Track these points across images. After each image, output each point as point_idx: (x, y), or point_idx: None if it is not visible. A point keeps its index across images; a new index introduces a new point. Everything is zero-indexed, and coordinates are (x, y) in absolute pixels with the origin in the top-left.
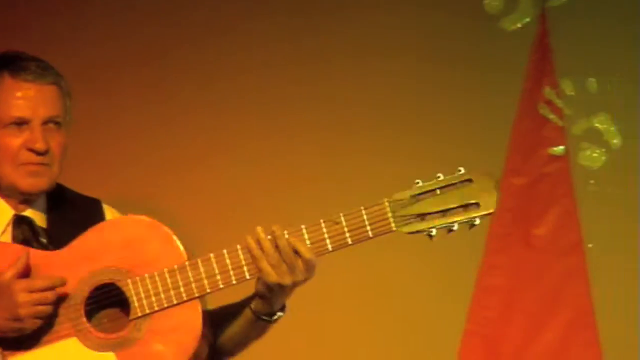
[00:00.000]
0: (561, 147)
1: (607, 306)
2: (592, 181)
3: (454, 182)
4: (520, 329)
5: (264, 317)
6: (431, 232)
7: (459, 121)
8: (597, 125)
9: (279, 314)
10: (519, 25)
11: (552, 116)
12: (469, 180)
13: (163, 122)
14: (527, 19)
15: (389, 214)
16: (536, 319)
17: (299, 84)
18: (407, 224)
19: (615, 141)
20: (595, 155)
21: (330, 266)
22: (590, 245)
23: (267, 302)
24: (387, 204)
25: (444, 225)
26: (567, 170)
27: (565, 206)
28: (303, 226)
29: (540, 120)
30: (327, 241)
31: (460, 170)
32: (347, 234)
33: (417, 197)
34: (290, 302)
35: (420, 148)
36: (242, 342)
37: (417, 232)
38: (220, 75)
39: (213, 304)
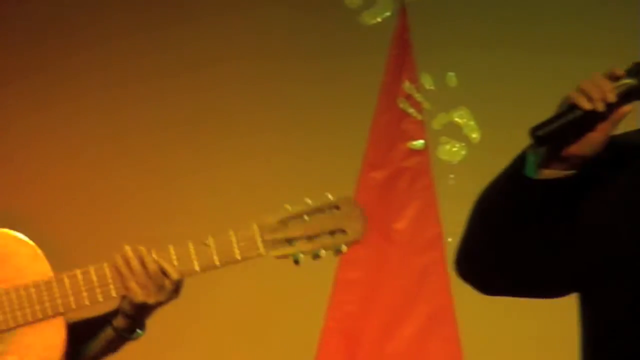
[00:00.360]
0: (421, 141)
1: (467, 302)
2: (451, 175)
3: (321, 207)
4: (379, 324)
5: (125, 335)
6: (298, 257)
7: (319, 116)
8: (456, 119)
9: (139, 331)
10: (378, 19)
11: (411, 110)
12: (336, 207)
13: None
14: (387, 13)
15: (258, 238)
16: (396, 314)
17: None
18: (275, 248)
19: (475, 135)
20: (454, 149)
21: None
22: (450, 240)
23: (130, 319)
24: (256, 227)
25: (311, 251)
26: (426, 164)
27: (425, 200)
28: (171, 246)
29: (400, 115)
30: (195, 262)
31: (327, 196)
32: (215, 256)
33: (285, 222)
34: None
35: (282, 142)
36: (98, 358)
37: (285, 256)
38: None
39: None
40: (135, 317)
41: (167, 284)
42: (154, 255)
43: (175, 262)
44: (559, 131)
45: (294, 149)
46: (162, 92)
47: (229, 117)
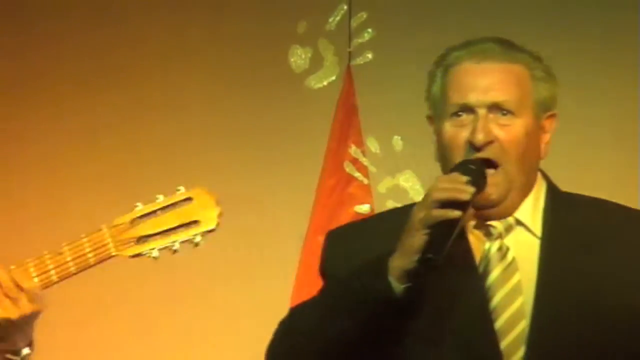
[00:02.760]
0: (367, 206)
1: None
2: None
3: (174, 202)
4: None
5: (10, 357)
6: (152, 253)
7: (266, 180)
8: (402, 183)
9: (26, 351)
10: (324, 83)
11: (357, 174)
12: (189, 199)
13: None
14: (333, 77)
15: (109, 240)
16: None
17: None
18: (128, 247)
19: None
20: None
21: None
22: None
23: (5, 339)
24: (105, 230)
25: (165, 245)
26: None
27: None
28: (28, 260)
29: (346, 179)
30: (52, 272)
31: (179, 190)
32: (71, 263)
33: (137, 221)
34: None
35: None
36: None
37: (139, 254)
38: None
39: None
40: (9, 336)
41: (23, 297)
42: (11, 269)
43: (34, 275)
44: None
45: (239, 215)
46: None
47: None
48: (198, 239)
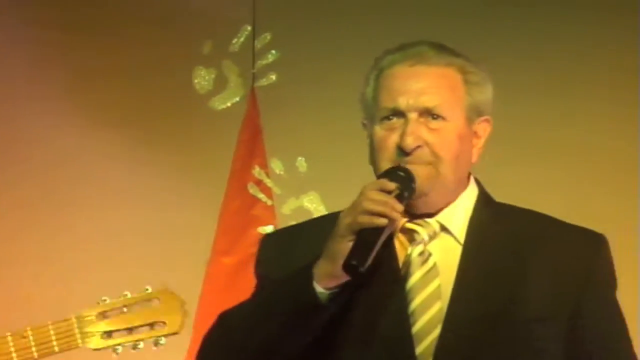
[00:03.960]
0: (271, 227)
1: None
2: None
3: (140, 300)
4: None
5: None
6: (117, 349)
7: (169, 201)
8: (306, 204)
9: None
10: (228, 104)
11: (261, 196)
12: (157, 299)
13: None
14: (237, 99)
15: (76, 330)
16: None
17: None
18: (93, 340)
19: None
20: None
21: None
22: None
23: None
24: (74, 320)
25: (129, 342)
26: None
27: None
28: None
29: (250, 200)
30: (14, 355)
31: (147, 289)
32: (34, 348)
33: (104, 314)
34: None
35: (131, 227)
36: None
37: (103, 348)
38: None
39: None
40: None
41: None
42: None
43: None
44: (373, 254)
45: (143, 234)
46: None
47: (72, 200)
48: (162, 340)
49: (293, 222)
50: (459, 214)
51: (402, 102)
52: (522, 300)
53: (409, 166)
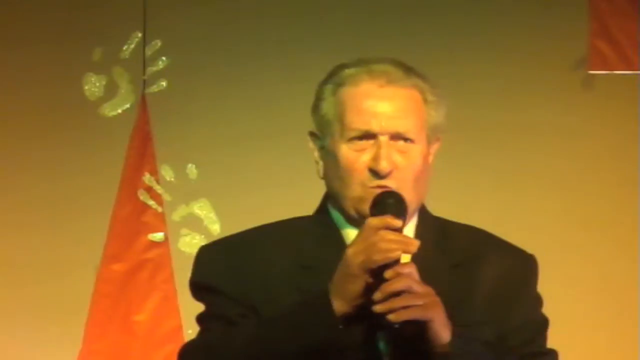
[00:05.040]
0: (161, 234)
1: None
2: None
3: None
4: None
5: None
6: None
7: (59, 208)
8: (197, 211)
9: None
10: (119, 111)
11: (151, 202)
12: None
13: None
14: (127, 105)
15: None
16: None
17: None
18: None
19: (215, 227)
20: (195, 241)
21: None
22: (190, 332)
23: None
24: None
25: None
26: (167, 256)
27: (165, 292)
28: None
29: (141, 207)
30: None
31: None
32: None
33: None
34: None
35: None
36: None
37: None
38: None
39: None
40: None
41: None
42: None
43: None
44: None
45: (32, 242)
46: None
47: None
48: None
49: (184, 229)
50: (407, 231)
51: (376, 126)
52: (464, 307)
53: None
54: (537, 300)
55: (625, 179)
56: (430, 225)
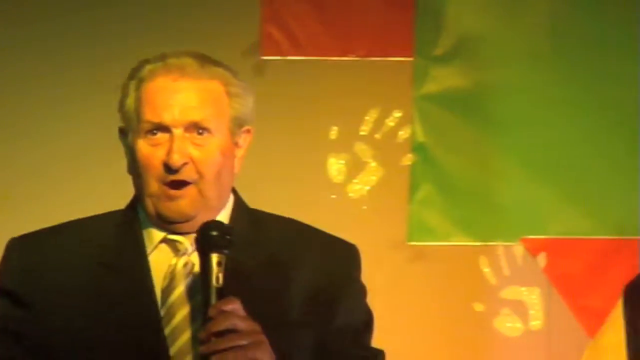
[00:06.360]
0: None
1: None
2: None
3: None
4: None
5: None
6: None
7: None
8: None
9: None
10: None
11: None
12: None
13: None
14: None
15: None
16: None
17: None
18: None
19: None
20: None
21: None
22: None
23: None
24: None
25: None
26: None
27: None
28: None
29: None
30: None
31: None
32: None
33: None
34: None
35: None
36: None
37: None
38: None
39: None
40: None
41: None
42: None
43: None
44: None
45: None
46: None
47: None
48: None
49: None
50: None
51: (167, 117)
52: (280, 305)
53: (175, 187)
54: (362, 292)
55: None
56: (245, 219)
